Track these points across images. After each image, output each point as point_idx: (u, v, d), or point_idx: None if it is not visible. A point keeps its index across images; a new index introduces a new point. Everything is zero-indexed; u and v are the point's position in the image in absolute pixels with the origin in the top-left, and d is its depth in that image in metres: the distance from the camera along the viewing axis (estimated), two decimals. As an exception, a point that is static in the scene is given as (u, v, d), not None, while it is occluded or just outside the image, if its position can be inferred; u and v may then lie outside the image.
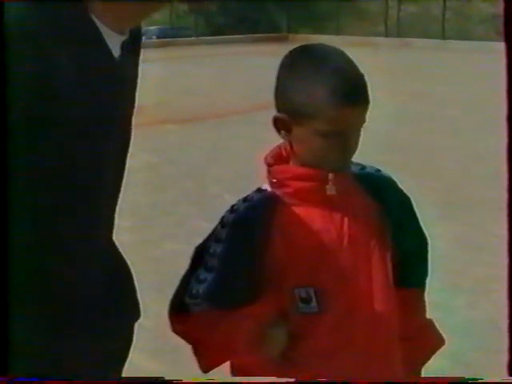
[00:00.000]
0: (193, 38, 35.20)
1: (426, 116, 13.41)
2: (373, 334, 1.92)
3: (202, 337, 1.93)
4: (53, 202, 1.53)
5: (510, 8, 1.53)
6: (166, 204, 7.99)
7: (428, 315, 2.12)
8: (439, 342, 2.11)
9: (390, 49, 28.48)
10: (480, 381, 1.61)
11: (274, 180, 1.93)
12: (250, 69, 21.07)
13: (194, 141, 11.66)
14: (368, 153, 1.89)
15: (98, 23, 1.50)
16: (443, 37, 31.23)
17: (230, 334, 1.89)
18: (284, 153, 1.96)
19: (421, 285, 2.09)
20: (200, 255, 1.95)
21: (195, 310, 1.91)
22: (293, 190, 1.89)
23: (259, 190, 1.96)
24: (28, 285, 1.55)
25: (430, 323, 2.11)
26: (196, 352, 1.96)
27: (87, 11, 1.48)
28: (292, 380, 1.81)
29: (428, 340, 2.10)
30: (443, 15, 32.44)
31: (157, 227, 7.20)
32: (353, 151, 1.89)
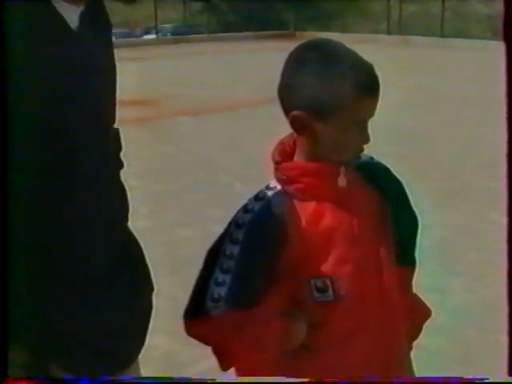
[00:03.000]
0: (205, 35, 35.10)
1: (426, 109, 13.36)
2: (384, 315, 1.92)
3: (226, 338, 1.86)
4: (59, 187, 1.51)
5: (510, 8, 1.50)
6: (178, 192, 7.96)
7: (424, 297, 2.14)
8: (427, 312, 2.13)
9: (391, 46, 28.35)
10: (480, 381, 1.59)
11: (284, 177, 1.88)
12: (258, 64, 20.99)
13: (206, 132, 11.63)
14: (371, 144, 1.86)
15: None
16: (442, 35, 31.06)
17: (258, 332, 1.84)
18: (288, 148, 1.92)
19: (413, 263, 2.08)
20: (214, 257, 1.88)
21: (216, 313, 1.84)
22: (304, 185, 1.86)
23: (269, 188, 1.91)
24: (41, 261, 1.53)
25: (417, 297, 2.12)
26: (217, 352, 1.90)
27: None
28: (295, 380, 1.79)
29: (419, 312, 2.11)
30: (442, 15, 32.26)
31: (170, 214, 7.18)
32: (368, 141, 1.85)
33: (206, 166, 9.22)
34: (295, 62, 1.85)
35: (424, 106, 13.65)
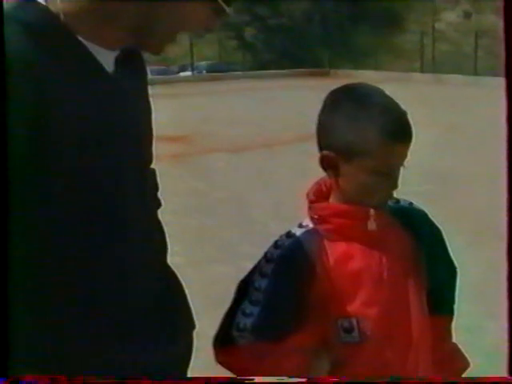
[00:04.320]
0: (240, 72, 35.37)
1: (460, 148, 13.31)
2: (410, 360, 1.89)
3: (247, 367, 1.87)
4: (98, 230, 1.50)
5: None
6: (212, 228, 7.98)
7: (460, 338, 2.10)
8: (465, 364, 2.09)
9: (425, 84, 28.37)
10: (479, 380, 1.62)
11: (316, 216, 1.90)
12: (293, 102, 21.09)
13: (241, 169, 11.68)
14: (405, 183, 1.86)
15: (87, 43, 1.46)
16: (475, 73, 31.03)
17: (277, 367, 1.84)
18: (324, 189, 1.93)
19: (450, 312, 2.07)
20: (244, 289, 1.92)
21: (242, 343, 1.88)
22: (334, 226, 1.87)
23: (301, 226, 1.93)
24: (80, 304, 1.53)
25: (456, 347, 2.09)
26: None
27: (73, 34, 1.45)
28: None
29: (455, 363, 2.07)
30: (475, 53, 32.28)
31: (204, 250, 7.18)
32: (396, 187, 1.86)
33: (240, 202, 9.24)
34: (330, 104, 1.87)
35: (458, 145, 13.59)
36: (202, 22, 1.55)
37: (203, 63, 37.00)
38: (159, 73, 31.42)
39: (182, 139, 14.19)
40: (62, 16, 1.44)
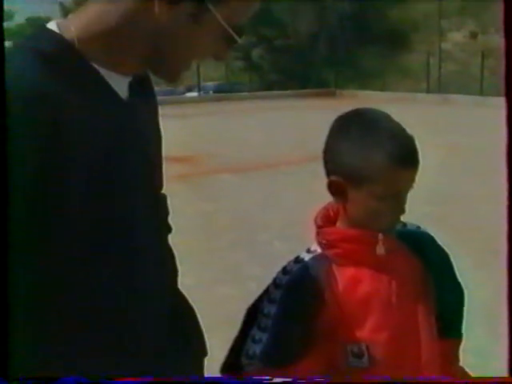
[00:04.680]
0: (246, 93, 35.45)
1: (466, 168, 13.30)
2: None
3: None
4: (112, 257, 1.50)
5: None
6: (219, 250, 7.97)
7: (469, 361, 2.09)
8: None
9: (431, 104, 28.38)
10: (479, 380, 1.62)
11: (324, 241, 1.90)
12: (299, 122, 21.12)
13: (246, 190, 11.66)
14: (409, 203, 1.85)
15: (101, 69, 1.47)
16: (481, 93, 31.03)
17: None
18: (332, 214, 1.94)
19: (458, 335, 2.06)
20: (253, 314, 1.91)
21: (251, 370, 1.86)
22: (343, 251, 1.86)
23: (309, 251, 1.93)
24: (92, 330, 1.52)
25: (463, 370, 2.08)
26: None
27: (88, 61, 1.46)
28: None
29: None
30: (481, 73, 32.28)
31: (210, 271, 7.17)
32: (403, 212, 1.86)
33: (246, 223, 9.23)
34: (337, 129, 1.88)
35: (464, 165, 13.58)
36: (214, 51, 1.56)
37: (210, 84, 37.13)
38: (166, 93, 31.46)
39: (189, 160, 14.20)
40: (76, 43, 1.45)
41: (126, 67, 1.52)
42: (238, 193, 11.42)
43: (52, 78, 1.39)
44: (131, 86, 1.56)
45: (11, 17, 27.98)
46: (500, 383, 1.63)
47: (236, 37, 1.51)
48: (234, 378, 1.76)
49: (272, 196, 11.05)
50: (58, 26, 1.48)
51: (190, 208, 9.73)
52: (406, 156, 1.80)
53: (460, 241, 7.21)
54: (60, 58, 1.43)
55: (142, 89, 1.62)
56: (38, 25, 1.50)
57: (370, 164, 1.78)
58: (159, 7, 1.43)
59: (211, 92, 36.46)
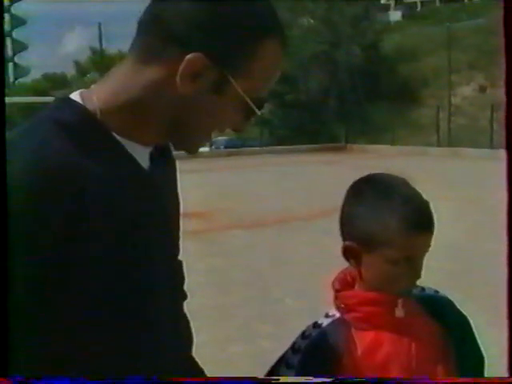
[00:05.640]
0: (257, 148, 35.60)
1: (477, 222, 13.26)
2: None
3: None
4: (128, 324, 1.50)
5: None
6: (229, 307, 7.92)
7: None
8: None
9: (441, 158, 28.45)
10: (479, 380, 1.58)
11: (343, 305, 1.89)
12: (310, 177, 21.16)
13: (258, 245, 11.64)
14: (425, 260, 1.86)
15: (123, 140, 1.48)
16: (491, 146, 31.04)
17: None
18: (349, 278, 1.93)
19: None
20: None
21: None
22: (362, 314, 1.85)
23: (327, 316, 1.92)
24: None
25: None
26: None
27: (110, 132, 1.47)
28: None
29: None
30: (491, 126, 32.32)
31: (221, 329, 7.12)
32: (419, 276, 1.84)
33: (258, 280, 9.17)
34: (352, 194, 1.89)
35: (474, 219, 13.54)
36: (233, 123, 1.56)
37: (221, 139, 37.25)
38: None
39: (199, 215, 14.20)
40: (98, 114, 1.46)
41: (148, 138, 1.52)
42: (249, 248, 11.39)
43: (76, 149, 1.40)
44: (152, 156, 1.58)
45: (27, 72, 28.21)
46: (500, 383, 1.61)
47: (256, 109, 1.52)
48: (237, 379, 1.74)
49: (284, 251, 11.01)
50: (81, 96, 1.49)
51: (200, 264, 9.71)
52: (420, 221, 1.80)
53: (472, 297, 7.17)
54: (83, 129, 1.44)
55: (162, 157, 1.63)
56: (61, 97, 1.50)
57: (384, 229, 1.78)
58: (181, 79, 1.43)
59: (222, 147, 36.62)
